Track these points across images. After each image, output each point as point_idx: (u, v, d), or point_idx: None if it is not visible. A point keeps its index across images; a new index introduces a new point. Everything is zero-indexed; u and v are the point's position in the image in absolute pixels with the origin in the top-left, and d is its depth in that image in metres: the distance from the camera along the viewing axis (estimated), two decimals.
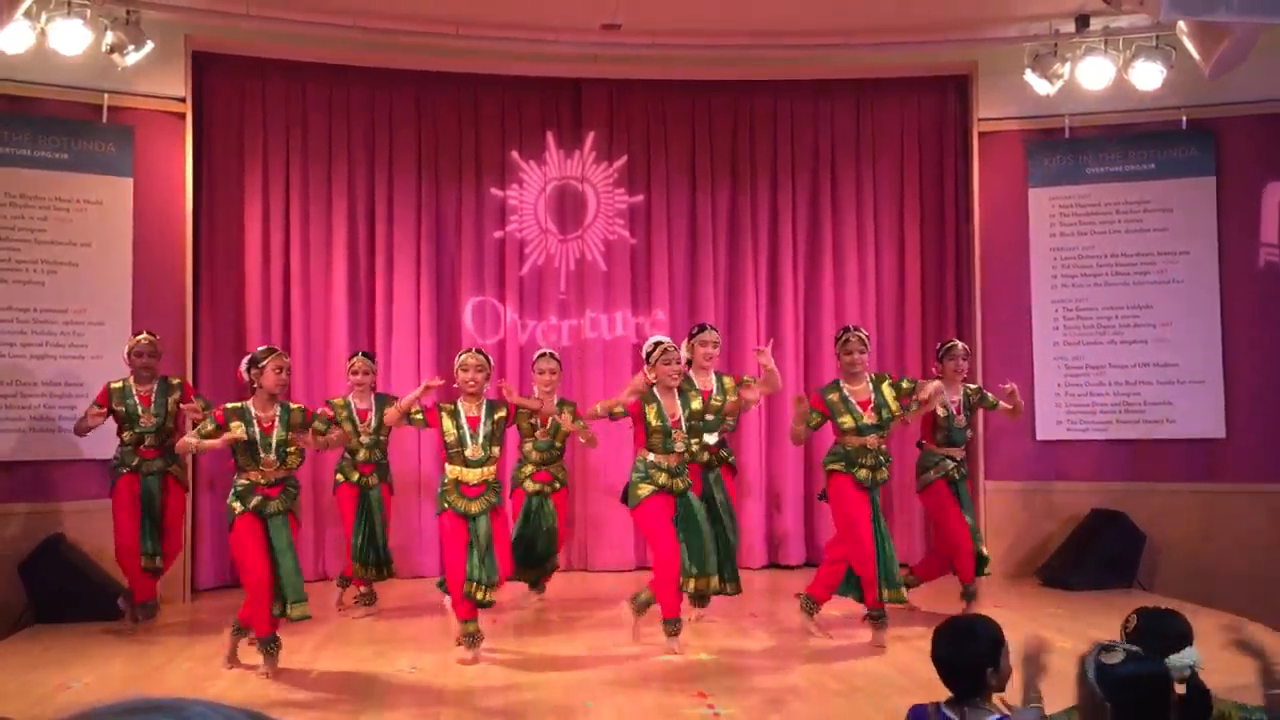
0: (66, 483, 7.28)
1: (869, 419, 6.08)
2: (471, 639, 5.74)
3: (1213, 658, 3.13)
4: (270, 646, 5.50)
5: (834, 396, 6.17)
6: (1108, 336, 8.26)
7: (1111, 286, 8.26)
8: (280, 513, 5.56)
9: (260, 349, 5.83)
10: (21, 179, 7.25)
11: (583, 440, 6.49)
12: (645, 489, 5.85)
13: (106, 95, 7.42)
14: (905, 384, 6.24)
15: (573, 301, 8.81)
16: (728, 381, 6.49)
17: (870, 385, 6.16)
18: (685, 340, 6.49)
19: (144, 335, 6.83)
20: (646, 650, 5.95)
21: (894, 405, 6.14)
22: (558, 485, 7.08)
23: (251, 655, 5.67)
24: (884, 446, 6.19)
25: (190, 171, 7.78)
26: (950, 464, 6.79)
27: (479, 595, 5.64)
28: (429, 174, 8.66)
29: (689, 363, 6.23)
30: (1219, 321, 8.07)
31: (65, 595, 6.81)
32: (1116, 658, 2.62)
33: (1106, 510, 7.94)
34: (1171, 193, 8.19)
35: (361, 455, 7.02)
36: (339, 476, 7.09)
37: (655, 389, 5.94)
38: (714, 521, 6.25)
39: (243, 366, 5.81)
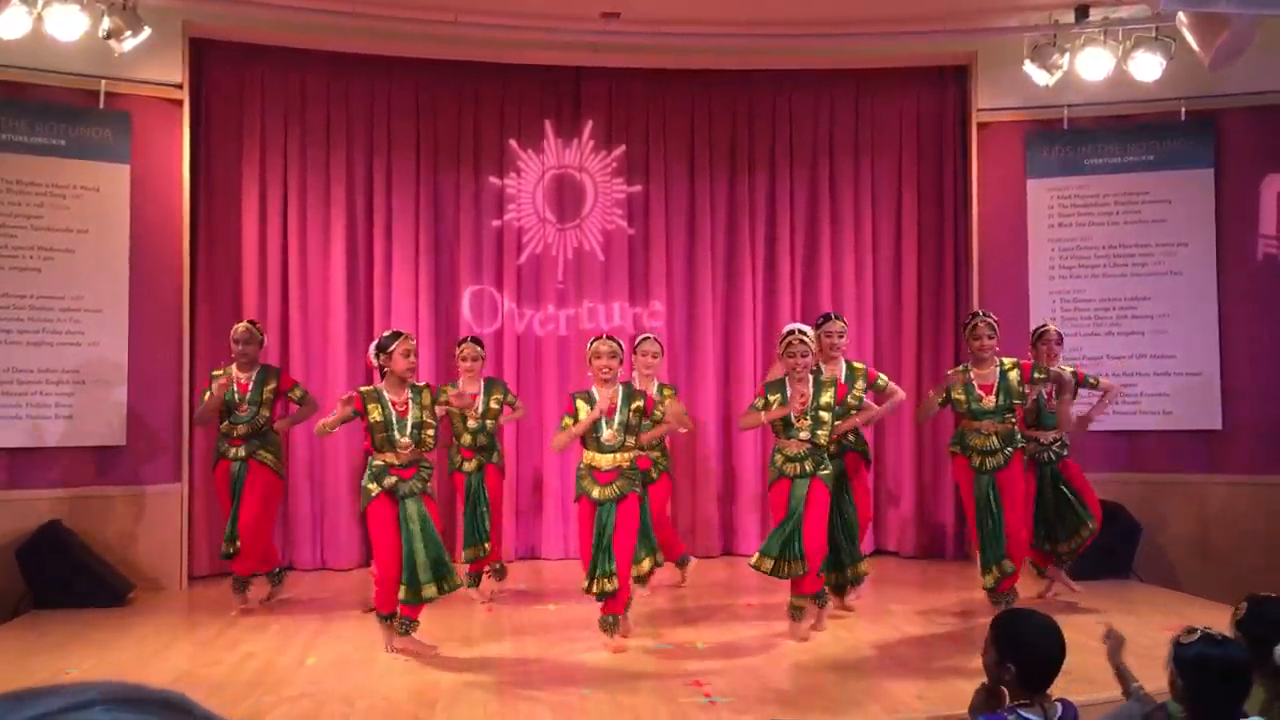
0: (63, 469, 7.27)
1: (986, 403, 6.11)
2: (608, 626, 5.76)
3: None
4: (390, 621, 5.62)
5: (957, 377, 6.26)
6: (1105, 328, 8.27)
7: (1109, 278, 8.27)
8: (414, 494, 5.59)
9: (386, 334, 5.85)
10: (18, 165, 7.23)
11: (681, 429, 6.42)
12: (771, 473, 5.94)
13: (103, 81, 7.40)
14: (1038, 374, 6.31)
15: (570, 291, 8.81)
16: (859, 368, 6.51)
17: (997, 371, 6.21)
18: (812, 330, 6.49)
19: (243, 323, 6.89)
20: (642, 638, 5.96)
21: (1018, 391, 6.18)
22: (654, 474, 6.85)
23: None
24: (1012, 431, 6.21)
25: (188, 158, 7.75)
26: (1036, 446, 6.76)
27: (589, 584, 5.67)
28: (427, 161, 8.64)
29: None
30: (1216, 313, 8.07)
31: (62, 581, 6.82)
32: (1191, 638, 2.66)
33: (1103, 501, 7.93)
34: (1170, 185, 8.19)
35: (466, 440, 6.97)
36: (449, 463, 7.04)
37: (786, 378, 5.89)
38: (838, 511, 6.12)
39: (370, 352, 5.82)
